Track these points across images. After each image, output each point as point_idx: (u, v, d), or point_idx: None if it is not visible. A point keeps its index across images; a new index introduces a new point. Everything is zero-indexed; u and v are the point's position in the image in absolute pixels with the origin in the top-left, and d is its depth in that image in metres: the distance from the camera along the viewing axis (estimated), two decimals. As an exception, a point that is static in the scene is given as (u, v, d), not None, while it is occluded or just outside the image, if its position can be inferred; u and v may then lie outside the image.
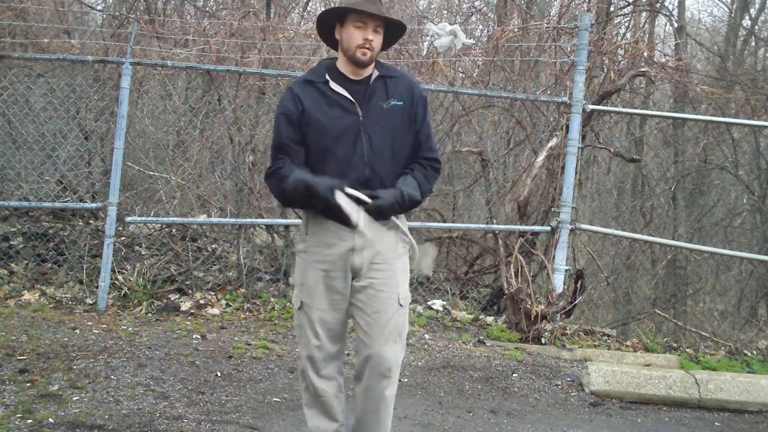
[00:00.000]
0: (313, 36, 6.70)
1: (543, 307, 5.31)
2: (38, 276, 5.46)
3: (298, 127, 2.64)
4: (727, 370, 4.87)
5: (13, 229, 5.82)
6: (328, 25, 2.72)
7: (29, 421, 3.23)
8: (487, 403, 4.08)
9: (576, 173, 5.86)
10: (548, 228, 5.94)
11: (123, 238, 5.88)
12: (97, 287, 5.22)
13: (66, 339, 4.40)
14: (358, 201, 2.55)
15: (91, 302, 5.22)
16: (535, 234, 6.10)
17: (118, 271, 5.48)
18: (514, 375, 4.60)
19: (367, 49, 2.61)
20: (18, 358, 4.00)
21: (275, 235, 6.07)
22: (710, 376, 4.48)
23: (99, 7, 9.34)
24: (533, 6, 9.05)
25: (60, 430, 3.19)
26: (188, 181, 6.00)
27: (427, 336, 5.21)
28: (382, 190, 2.60)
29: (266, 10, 7.70)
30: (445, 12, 10.80)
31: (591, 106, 5.93)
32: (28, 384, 3.65)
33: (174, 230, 5.99)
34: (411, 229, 2.88)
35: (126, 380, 3.84)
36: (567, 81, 6.40)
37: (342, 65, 2.70)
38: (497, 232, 6.11)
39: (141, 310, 5.18)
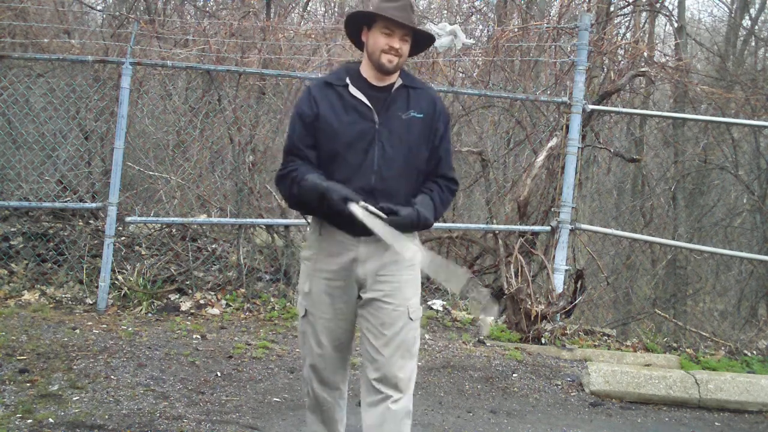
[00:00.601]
0: (313, 36, 6.71)
1: (543, 307, 5.32)
2: (38, 276, 5.45)
3: (311, 130, 2.57)
4: (727, 370, 4.87)
5: (13, 229, 5.82)
6: (356, 26, 2.65)
7: (29, 421, 3.23)
8: (487, 403, 4.08)
9: (576, 173, 5.86)
10: (548, 228, 5.94)
11: (123, 238, 5.88)
12: (97, 287, 5.22)
13: (66, 339, 4.39)
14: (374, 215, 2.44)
15: (91, 302, 5.22)
16: (535, 234, 6.10)
17: (118, 271, 5.48)
18: (514, 375, 4.60)
19: (393, 56, 2.54)
20: (18, 358, 3.99)
21: (275, 235, 6.07)
22: (710, 376, 4.48)
23: (99, 7, 9.35)
24: (533, 6, 9.05)
25: (60, 430, 3.19)
26: (188, 181, 5.99)
27: (427, 336, 5.21)
28: (402, 208, 2.47)
29: (266, 10, 7.71)
30: (445, 12, 10.79)
31: (591, 106, 5.93)
32: (28, 384, 3.65)
33: (174, 230, 5.98)
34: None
35: (126, 380, 3.84)
36: (567, 81, 6.41)
37: (365, 70, 2.62)
38: (497, 232, 6.11)
39: (141, 310, 5.18)
